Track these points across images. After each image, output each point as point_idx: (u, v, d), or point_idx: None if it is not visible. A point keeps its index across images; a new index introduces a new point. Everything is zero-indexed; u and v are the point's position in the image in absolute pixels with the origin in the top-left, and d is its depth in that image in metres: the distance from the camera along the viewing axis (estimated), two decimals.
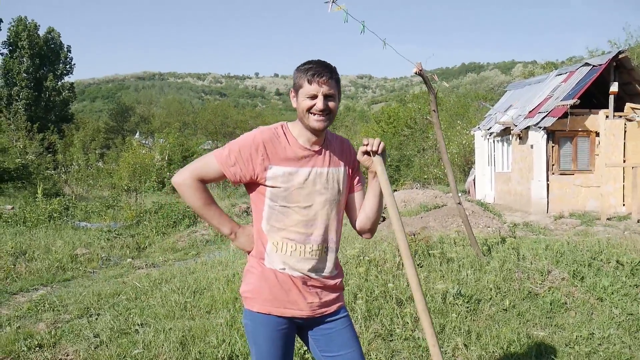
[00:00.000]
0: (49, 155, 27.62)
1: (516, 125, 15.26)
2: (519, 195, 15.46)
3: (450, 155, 25.26)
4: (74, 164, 26.23)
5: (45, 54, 41.01)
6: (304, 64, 2.08)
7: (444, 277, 5.51)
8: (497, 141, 17.43)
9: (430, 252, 5.99)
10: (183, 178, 2.11)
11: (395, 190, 17.80)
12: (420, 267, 5.76)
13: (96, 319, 5.08)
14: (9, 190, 19.37)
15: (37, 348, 4.36)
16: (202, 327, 4.57)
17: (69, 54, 43.24)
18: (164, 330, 4.52)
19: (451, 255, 5.95)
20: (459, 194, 7.05)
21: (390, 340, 4.37)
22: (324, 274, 2.15)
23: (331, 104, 2.06)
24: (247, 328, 2.17)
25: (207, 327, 4.58)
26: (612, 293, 5.36)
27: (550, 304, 5.11)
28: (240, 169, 2.06)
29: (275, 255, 2.10)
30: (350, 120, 58.84)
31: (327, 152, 2.16)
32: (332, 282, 2.18)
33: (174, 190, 20.94)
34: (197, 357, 4.05)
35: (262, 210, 2.12)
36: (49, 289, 6.65)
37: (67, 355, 4.23)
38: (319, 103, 2.02)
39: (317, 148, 2.13)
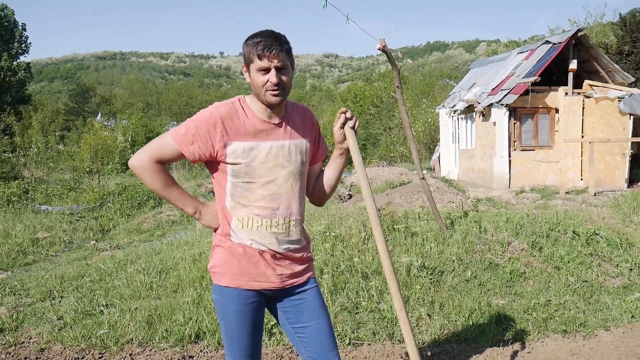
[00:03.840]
0: (5, 137, 26.70)
1: (479, 103, 15.49)
2: (482, 172, 15.77)
3: (416, 133, 25.54)
4: (33, 146, 25.46)
5: None
6: (252, 36, 2.02)
7: (408, 250, 5.62)
8: (461, 119, 17.68)
9: (395, 226, 6.09)
10: (140, 161, 2.03)
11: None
12: (386, 241, 5.85)
13: (59, 301, 5.00)
14: None
15: None
16: (169, 306, 4.56)
17: (24, 32, 41.51)
18: (129, 310, 4.49)
19: (415, 229, 6.06)
20: (424, 171, 7.17)
21: (357, 313, 4.45)
22: (292, 246, 2.15)
23: (284, 77, 2.01)
24: (216, 303, 2.16)
25: (173, 305, 4.57)
26: (568, 262, 5.57)
27: (510, 273, 5.28)
28: (199, 147, 2.01)
29: (241, 232, 2.09)
30: (317, 99, 58.70)
31: (288, 123, 2.13)
32: (300, 253, 2.19)
33: None
34: (164, 335, 4.05)
35: (224, 187, 2.09)
36: (9, 274, 6.50)
37: (30, 338, 4.16)
38: (272, 78, 1.97)
39: (277, 120, 2.09)
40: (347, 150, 2.22)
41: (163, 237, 8.77)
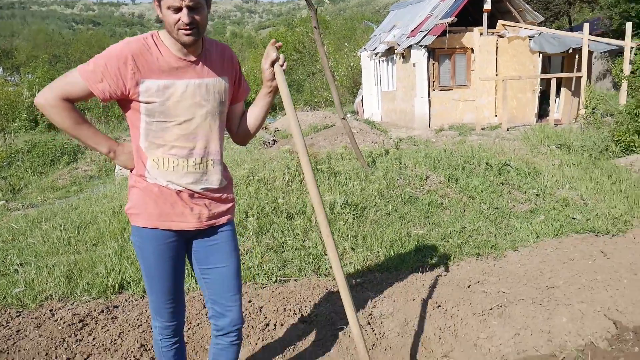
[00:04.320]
0: None
1: (399, 45, 15.66)
2: (403, 113, 16.14)
3: (339, 77, 25.56)
4: None
5: None
6: None
7: (332, 189, 5.73)
8: (382, 61, 17.84)
9: (318, 167, 6.16)
10: (45, 98, 1.90)
11: (284, 116, 17.83)
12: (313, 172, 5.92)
13: None
14: None
15: None
16: (90, 260, 4.43)
17: None
18: (47, 267, 4.32)
19: (338, 169, 6.17)
20: (348, 114, 7.26)
21: (283, 252, 4.53)
22: (210, 186, 2.10)
23: (198, 16, 1.89)
24: (135, 245, 2.12)
25: (94, 259, 4.44)
26: (482, 191, 5.90)
27: (428, 205, 5.53)
28: (109, 85, 1.89)
29: (157, 172, 2.02)
30: (238, 46, 57.01)
31: (206, 61, 2.03)
32: (220, 194, 2.15)
33: (49, 127, 19.38)
34: (86, 288, 3.94)
35: (139, 127, 2.00)
36: None
37: None
38: (184, 17, 1.85)
39: (193, 58, 1.99)
40: (276, 90, 2.17)
41: (80, 192, 8.41)
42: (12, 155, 11.45)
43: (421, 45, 14.49)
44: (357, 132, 10.40)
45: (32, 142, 12.07)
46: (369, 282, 4.04)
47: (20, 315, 3.68)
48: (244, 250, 4.52)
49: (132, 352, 3.13)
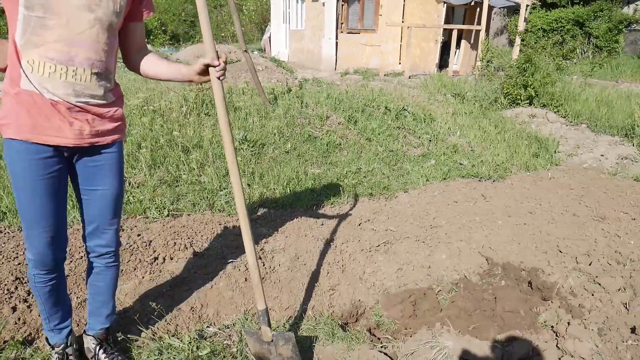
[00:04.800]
0: None
1: None
2: (311, 53, 15.98)
3: (247, 12, 24.65)
4: None
5: None
6: None
7: (231, 124, 5.58)
8: None
9: None
10: None
11: (190, 45, 16.98)
12: (208, 116, 5.74)
13: None
14: None
15: None
16: None
17: None
18: None
19: (239, 104, 6.02)
20: (255, 52, 7.00)
21: (177, 186, 4.40)
22: (92, 100, 1.90)
23: None
24: (5, 160, 1.90)
25: None
26: (379, 134, 6.06)
27: (327, 145, 5.60)
28: None
29: (31, 76, 1.79)
30: None
31: None
32: (104, 110, 1.95)
33: None
34: None
35: (15, 20, 1.74)
36: None
37: None
38: None
39: None
40: (194, 80, 2.05)
41: None
42: None
43: None
44: (262, 69, 10.17)
45: None
46: (263, 219, 4.05)
47: None
48: (135, 183, 4.32)
49: (6, 285, 2.93)
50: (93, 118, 1.94)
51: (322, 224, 3.98)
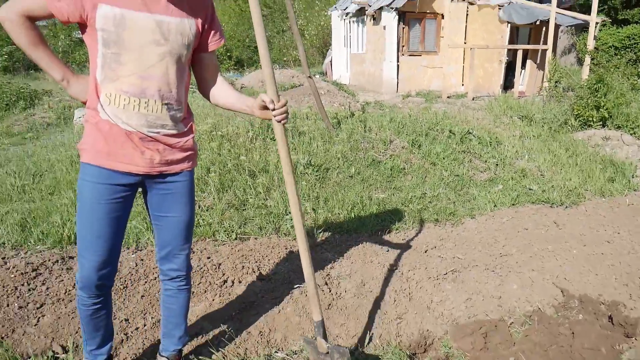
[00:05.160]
0: None
1: (370, 6, 15.43)
2: (372, 76, 16.06)
3: (309, 37, 25.12)
4: None
5: None
6: None
7: (295, 149, 5.68)
8: (353, 22, 17.58)
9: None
10: (6, 12, 1.82)
11: (254, 71, 17.46)
12: (273, 140, 5.86)
13: None
14: None
15: None
16: (45, 209, 4.30)
17: None
18: None
19: (303, 128, 6.12)
20: (317, 75, 7.14)
21: (244, 210, 4.50)
22: (163, 130, 2.00)
23: None
24: (78, 183, 2.02)
25: (49, 208, 4.32)
26: (444, 158, 5.98)
27: (391, 169, 5.57)
28: (67, 6, 1.80)
29: (108, 108, 1.92)
30: None
31: None
32: (175, 140, 2.04)
33: (5, 70, 18.43)
34: (40, 237, 3.84)
35: (96, 57, 1.89)
36: None
37: None
38: None
39: None
40: (259, 117, 2.13)
41: (37, 140, 8.08)
42: None
43: (392, 8, 14.32)
44: (325, 93, 10.31)
45: None
46: (328, 244, 4.07)
47: None
48: (205, 206, 4.46)
49: None
50: (164, 148, 2.03)
51: (388, 250, 3.95)
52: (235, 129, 5.97)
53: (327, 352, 2.30)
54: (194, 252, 3.75)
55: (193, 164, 2.18)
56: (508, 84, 15.59)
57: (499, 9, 14.67)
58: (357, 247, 4.00)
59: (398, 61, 14.81)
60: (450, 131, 6.74)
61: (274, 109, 2.01)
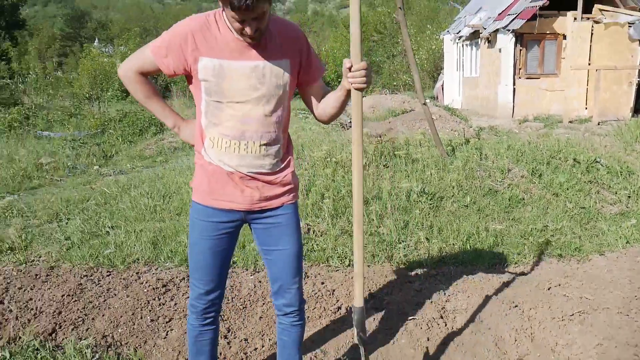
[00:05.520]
0: (2, 63, 26.20)
1: (485, 29, 15.07)
2: (485, 100, 15.60)
3: (420, 61, 25.01)
4: (31, 72, 25.04)
5: None
6: None
7: (408, 176, 5.66)
8: (466, 45, 17.26)
9: (395, 153, 6.10)
10: (123, 70, 2.06)
11: (363, 96, 17.71)
12: (386, 167, 5.89)
13: (66, 223, 5.10)
14: None
15: (8, 251, 4.40)
16: (173, 228, 4.66)
17: None
18: (134, 232, 4.59)
19: (416, 156, 6.09)
20: (428, 100, 7.13)
21: None
22: (262, 169, 2.08)
23: (261, 24, 1.85)
24: (189, 217, 2.21)
25: (177, 228, 4.67)
26: (568, 189, 5.63)
27: (509, 199, 5.35)
28: (173, 61, 1.96)
29: (211, 151, 2.06)
30: (319, 25, 57.08)
31: (266, 43, 1.96)
32: (273, 177, 2.12)
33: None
34: (169, 255, 4.16)
35: (200, 104, 2.05)
36: (15, 197, 6.58)
37: (40, 257, 4.28)
38: (248, 30, 1.83)
39: (250, 40, 1.94)
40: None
41: (165, 163, 8.81)
42: (105, 123, 12.17)
43: (508, 30, 13.87)
44: (436, 118, 10.17)
45: (123, 112, 12.77)
46: (442, 275, 3.98)
47: (110, 274, 3.96)
48: (319, 231, 4.58)
49: None
50: (263, 185, 2.10)
51: (507, 285, 3.78)
52: (348, 156, 6.08)
53: None
54: (308, 277, 3.85)
55: (294, 196, 2.22)
56: (639, 107, 14.36)
57: (629, 26, 13.63)
58: (473, 280, 3.87)
59: (514, 84, 14.27)
60: (574, 159, 6.34)
61: (353, 69, 1.91)
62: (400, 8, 5.88)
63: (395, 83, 26.39)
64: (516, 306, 3.47)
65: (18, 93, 20.42)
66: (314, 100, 2.19)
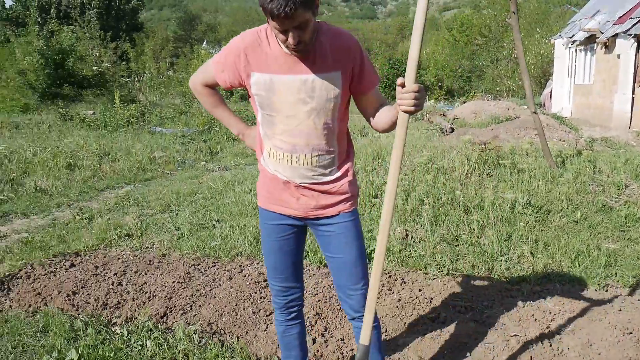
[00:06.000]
0: (122, 63, 28.43)
1: (602, 33, 14.09)
2: (599, 109, 14.58)
3: (527, 66, 23.91)
4: (146, 72, 26.96)
5: None
6: None
7: (513, 187, 5.44)
8: (580, 50, 16.23)
9: (500, 162, 5.89)
10: (193, 82, 2.22)
11: (465, 102, 17.24)
12: (490, 176, 5.70)
13: (176, 214, 5.46)
14: (89, 97, 20.36)
15: (126, 237, 4.79)
16: None
17: None
18: (238, 226, 4.81)
19: (522, 166, 5.83)
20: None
21: (456, 245, 4.45)
22: (316, 180, 2.10)
23: (304, 33, 1.82)
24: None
25: None
26: None
27: (625, 218, 4.97)
28: (228, 76, 2.05)
29: (268, 160, 2.13)
30: None
31: (315, 56, 1.94)
32: (328, 187, 2.12)
33: (242, 98, 21.20)
34: None
35: (257, 116, 2.11)
36: (132, 187, 7.15)
37: (153, 245, 4.62)
38: (290, 39, 1.81)
39: (295, 51, 1.94)
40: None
41: None
42: (212, 121, 12.84)
43: (629, 35, 12.87)
44: (544, 127, 9.65)
45: None
46: (547, 292, 3.78)
47: (215, 265, 4.19)
48: (417, 237, 4.53)
49: (307, 317, 3.36)
50: (318, 194, 2.12)
51: (620, 310, 3.52)
52: (450, 163, 5.96)
53: None
54: (405, 282, 3.83)
55: (351, 204, 2.19)
56: None
57: None
58: (581, 301, 3.64)
59: (633, 93, 13.21)
60: None
61: (405, 90, 1.81)
62: (513, 12, 5.66)
63: (498, 88, 25.42)
64: (630, 333, 3.22)
65: (135, 91, 22.08)
66: (367, 110, 2.15)
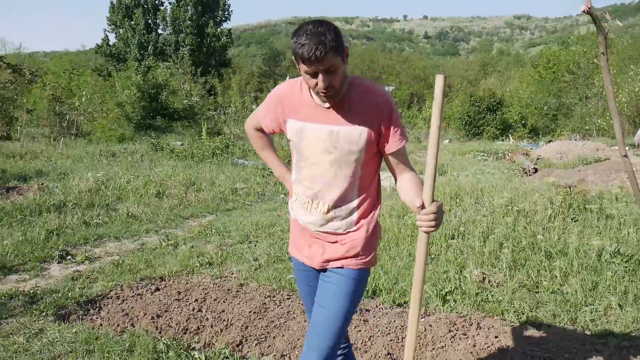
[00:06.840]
0: (210, 97, 30.01)
1: None
2: None
3: (619, 104, 22.67)
4: (232, 105, 28.25)
5: (207, 2, 43.68)
6: (296, 34, 1.87)
7: (600, 233, 5.17)
8: None
9: (587, 206, 5.62)
10: (246, 125, 2.42)
11: (550, 141, 16.62)
12: (575, 221, 5.45)
13: (255, 245, 5.65)
14: (178, 128, 21.66)
15: (207, 265, 5.02)
16: None
17: (227, 1, 45.54)
18: None
19: (611, 211, 5.53)
20: (627, 148, 6.39)
21: (536, 292, 4.29)
22: (328, 230, 2.13)
23: (334, 78, 1.88)
24: None
25: None
26: None
27: None
28: (270, 121, 2.22)
29: (294, 204, 2.23)
30: (504, 64, 55.16)
31: (343, 108, 2.01)
32: (336, 238, 2.14)
33: None
34: None
35: (292, 160, 2.23)
36: (214, 217, 7.48)
37: (232, 274, 4.81)
38: (320, 83, 1.88)
39: (327, 105, 2.02)
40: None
41: None
42: (290, 156, 13.17)
43: None
44: (637, 169, 9.12)
45: None
46: (636, 349, 3.54)
47: (289, 298, 4.28)
48: (495, 282, 4.41)
49: (379, 357, 3.36)
50: (328, 245, 2.17)
51: None
52: (532, 205, 5.78)
53: None
54: (480, 328, 3.73)
55: (359, 264, 2.14)
56: None
57: None
58: None
59: None
60: None
61: (424, 211, 1.91)
62: (602, 53, 5.46)
63: (587, 127, 24.25)
64: None
65: (220, 124, 23.18)
66: (391, 169, 2.17)
